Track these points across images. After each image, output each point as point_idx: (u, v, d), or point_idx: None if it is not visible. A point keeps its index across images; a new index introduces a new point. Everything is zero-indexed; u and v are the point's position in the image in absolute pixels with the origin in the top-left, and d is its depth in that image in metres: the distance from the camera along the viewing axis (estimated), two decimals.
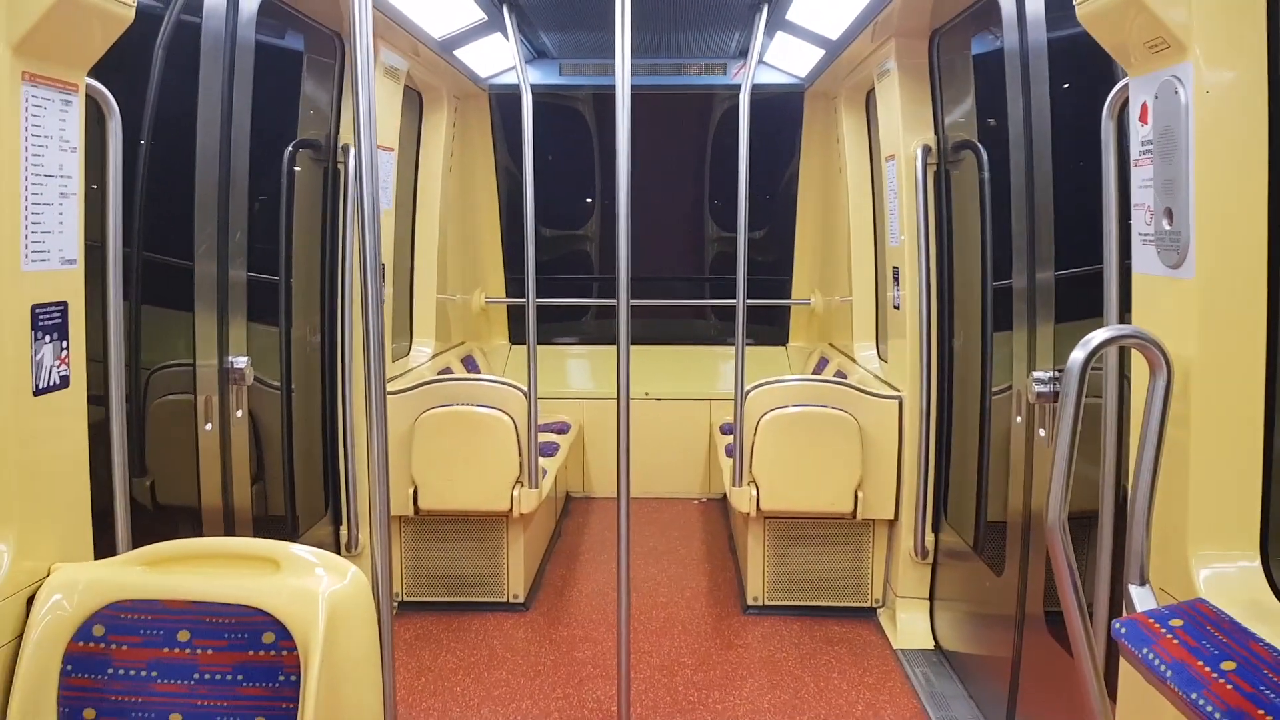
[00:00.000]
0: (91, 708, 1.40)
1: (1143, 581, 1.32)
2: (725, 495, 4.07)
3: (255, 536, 2.42)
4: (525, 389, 3.28)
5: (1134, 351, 1.37)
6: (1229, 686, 1.01)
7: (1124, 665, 1.39)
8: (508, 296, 5.07)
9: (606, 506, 4.67)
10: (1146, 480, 1.31)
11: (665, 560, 3.91)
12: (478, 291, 4.94)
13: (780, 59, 4.31)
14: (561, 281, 5.12)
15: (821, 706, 2.71)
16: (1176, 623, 1.16)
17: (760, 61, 4.14)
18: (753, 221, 3.25)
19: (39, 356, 1.44)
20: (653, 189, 5.01)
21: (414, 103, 4.07)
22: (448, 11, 3.29)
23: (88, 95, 1.53)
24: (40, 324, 1.44)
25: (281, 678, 1.39)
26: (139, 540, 1.66)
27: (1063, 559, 1.31)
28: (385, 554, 1.59)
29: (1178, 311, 1.32)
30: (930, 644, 3.09)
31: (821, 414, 3.19)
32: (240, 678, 1.40)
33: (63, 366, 1.49)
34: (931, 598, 3.15)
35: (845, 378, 3.67)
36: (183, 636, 1.41)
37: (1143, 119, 1.38)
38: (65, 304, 1.49)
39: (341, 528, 3.11)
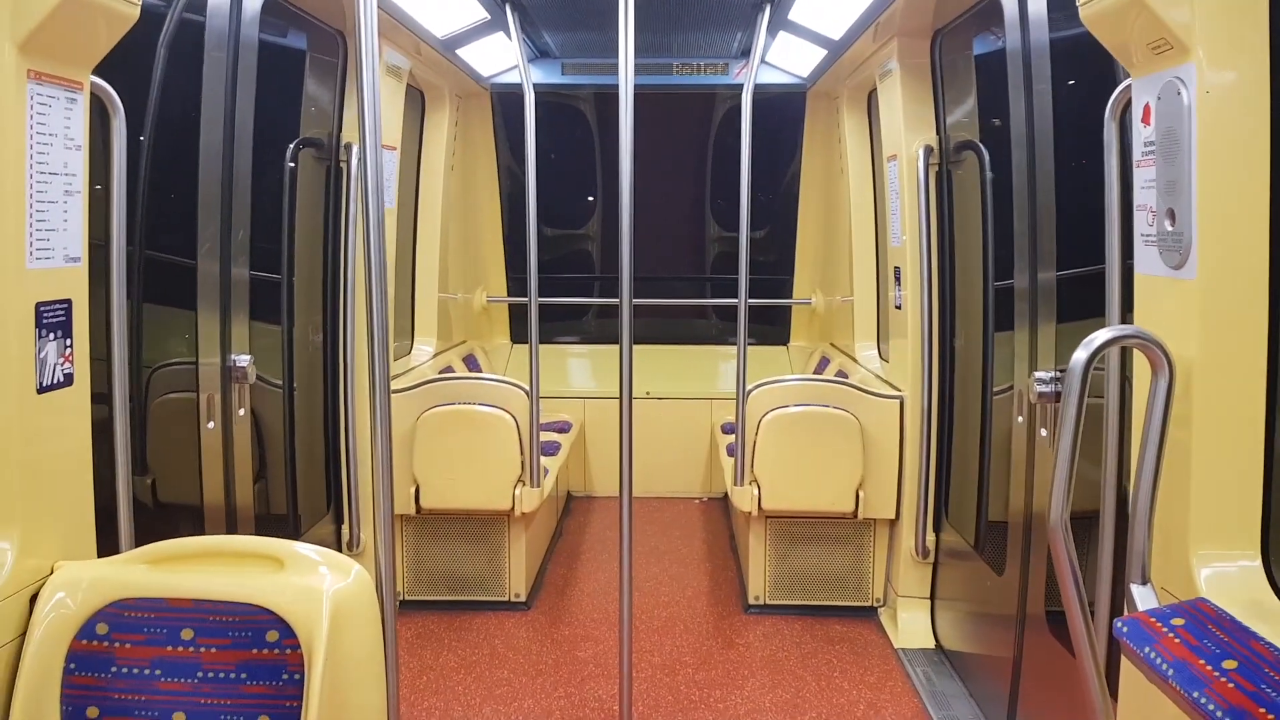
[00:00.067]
0: (95, 706, 1.40)
1: (1144, 581, 1.33)
2: (726, 494, 4.08)
3: (257, 535, 2.42)
4: (527, 388, 3.29)
5: (1136, 352, 1.37)
6: (1230, 685, 1.01)
7: (1125, 664, 1.39)
8: (509, 295, 5.07)
9: (608, 506, 4.67)
10: (1148, 480, 1.31)
11: (666, 559, 3.91)
12: (479, 290, 4.94)
13: (782, 59, 4.31)
14: (563, 280, 5.13)
15: (823, 706, 2.71)
16: (1178, 622, 1.17)
17: (762, 61, 4.14)
18: (754, 221, 3.25)
19: (43, 354, 1.44)
20: (654, 188, 5.01)
21: (416, 101, 4.07)
22: (450, 10, 3.29)
23: (92, 93, 1.53)
24: (44, 322, 1.44)
25: (285, 676, 1.39)
26: (140, 539, 1.66)
27: (1065, 558, 1.31)
28: (389, 552, 1.59)
29: (1180, 312, 1.32)
30: (931, 643, 3.09)
31: (823, 414, 3.19)
32: (244, 676, 1.40)
33: (66, 364, 1.49)
34: (932, 597, 3.16)
35: (846, 377, 3.68)
36: (186, 635, 1.41)
37: (1145, 120, 1.38)
38: (69, 302, 1.49)
39: (343, 526, 3.11)
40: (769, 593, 3.36)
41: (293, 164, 2.91)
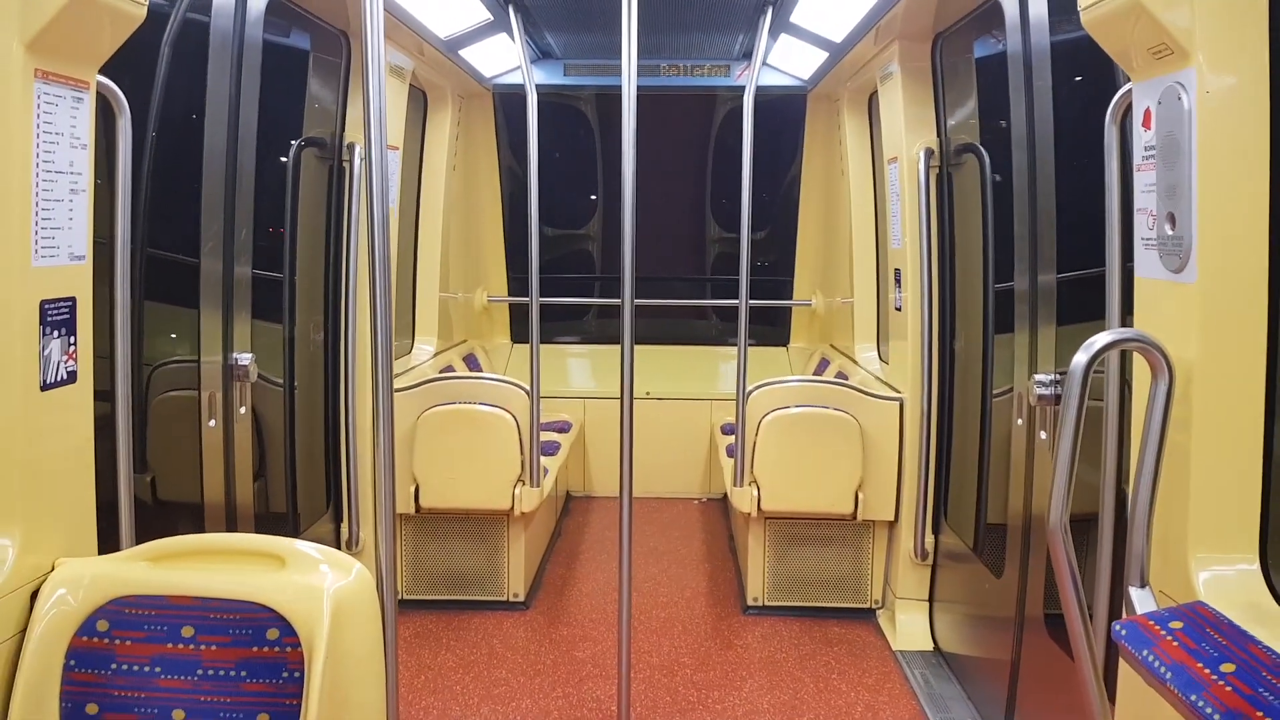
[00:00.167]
0: (94, 703, 1.40)
1: (1143, 584, 1.33)
2: (725, 495, 4.08)
3: (257, 533, 2.43)
4: (527, 388, 3.29)
5: (1136, 355, 1.38)
6: (1228, 688, 1.01)
7: (1123, 667, 1.40)
8: (510, 295, 5.08)
9: (607, 506, 4.67)
10: (1147, 483, 1.31)
11: (665, 560, 3.91)
12: (480, 290, 4.94)
13: (783, 61, 4.32)
14: (563, 280, 5.13)
15: (821, 707, 2.71)
16: (1176, 625, 1.17)
17: (764, 63, 4.16)
18: (755, 222, 3.26)
19: (47, 352, 1.44)
20: (655, 189, 5.01)
21: (418, 102, 4.08)
22: (454, 11, 3.30)
23: (98, 92, 1.53)
24: (49, 319, 1.44)
25: (285, 674, 1.39)
26: (140, 537, 1.67)
27: (1064, 561, 1.32)
28: (390, 551, 1.60)
29: (1179, 315, 1.32)
30: (929, 645, 3.10)
31: (823, 415, 3.19)
32: (244, 674, 1.40)
33: (70, 362, 1.50)
34: (931, 599, 3.16)
35: (846, 379, 3.68)
36: (186, 632, 1.41)
37: (1145, 124, 1.38)
38: (74, 299, 1.49)
39: (342, 525, 3.11)
40: (767, 594, 3.36)
41: (296, 164, 2.91)
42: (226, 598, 1.41)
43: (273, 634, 1.40)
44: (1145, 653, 1.14)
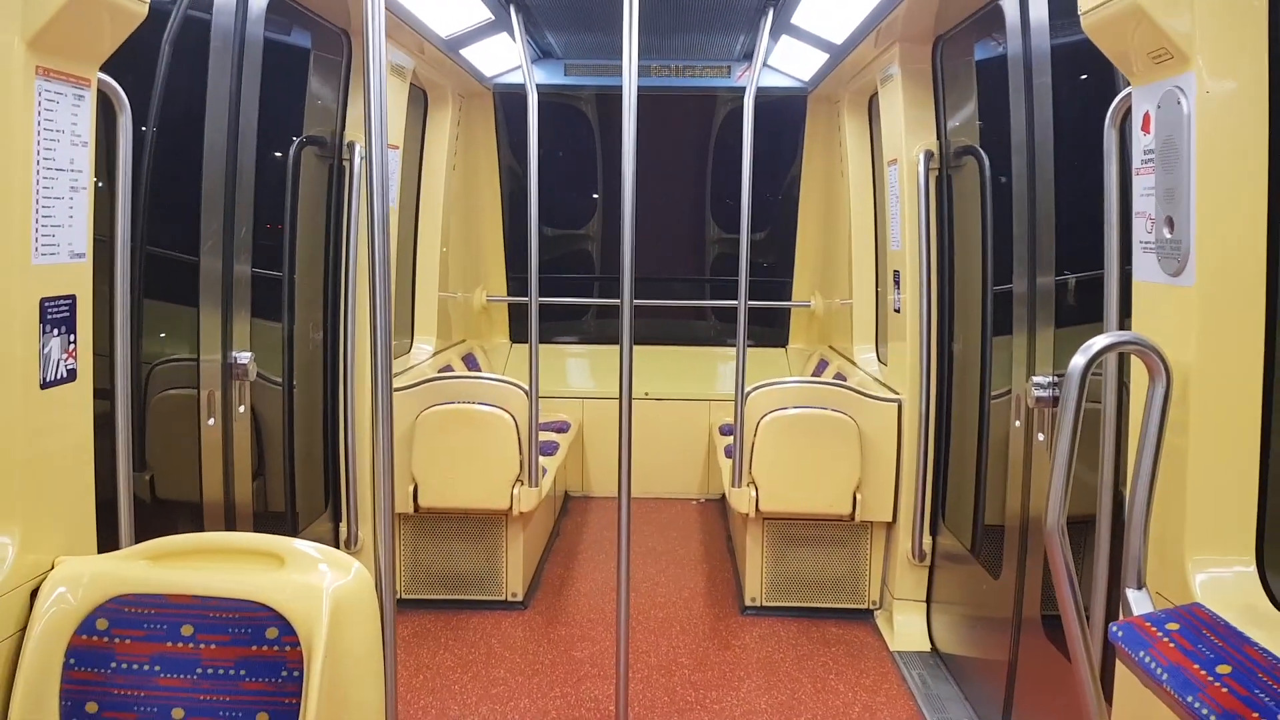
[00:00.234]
0: (94, 701, 1.40)
1: (1140, 586, 1.34)
2: (724, 496, 4.08)
3: (256, 532, 2.42)
4: (526, 387, 3.29)
5: (1133, 358, 1.38)
6: (1224, 690, 1.02)
7: (1120, 668, 1.40)
8: (509, 295, 5.08)
9: (605, 506, 4.68)
10: (1144, 485, 1.32)
11: (664, 560, 3.92)
12: (479, 290, 4.94)
13: (784, 62, 4.32)
14: (563, 280, 5.14)
15: (818, 708, 2.72)
16: (1173, 626, 1.17)
17: (764, 65, 4.16)
18: (754, 223, 3.27)
19: (47, 350, 1.44)
20: (655, 190, 5.02)
21: (418, 101, 4.08)
22: (455, 10, 3.30)
23: (99, 90, 1.53)
24: (49, 317, 1.44)
25: (284, 673, 1.40)
26: (138, 535, 1.67)
27: (1061, 563, 1.32)
28: (389, 550, 1.60)
29: (1177, 319, 1.33)
30: (927, 646, 3.10)
31: (821, 416, 3.20)
32: (243, 673, 1.40)
33: (70, 360, 1.50)
34: (928, 600, 3.17)
35: (845, 380, 3.69)
36: (186, 631, 1.41)
37: (1145, 128, 1.39)
38: (74, 297, 1.49)
39: (341, 524, 3.11)
40: (765, 594, 3.37)
41: (296, 162, 2.91)
42: (226, 596, 1.41)
43: (272, 633, 1.40)
44: (1142, 654, 1.15)
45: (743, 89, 3.38)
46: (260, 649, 1.40)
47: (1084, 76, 2.10)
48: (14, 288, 1.38)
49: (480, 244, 4.95)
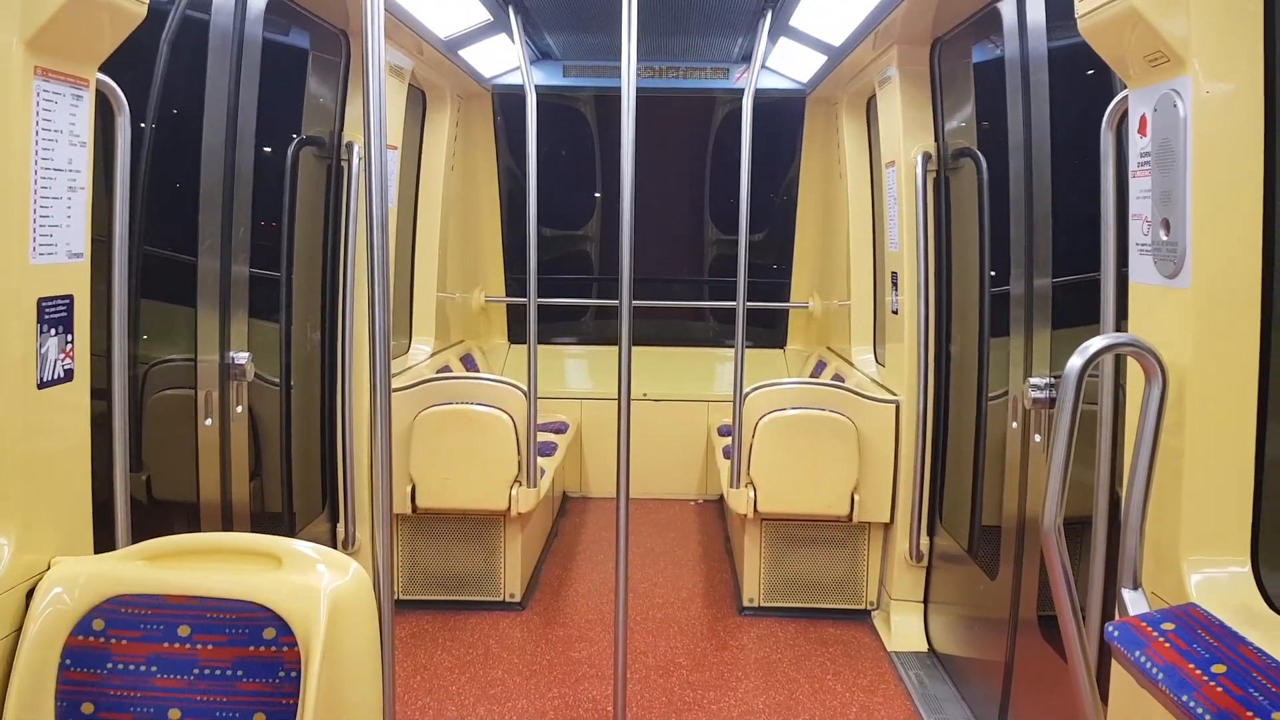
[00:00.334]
0: (90, 702, 1.40)
1: (1135, 586, 1.34)
2: (722, 496, 4.09)
3: (253, 533, 2.42)
4: (524, 388, 3.29)
5: (1130, 359, 1.39)
6: (1219, 689, 1.02)
7: (1116, 668, 1.40)
8: (507, 296, 5.08)
9: (603, 507, 4.68)
10: (1140, 486, 1.32)
11: (662, 561, 3.92)
12: (477, 290, 4.94)
13: (783, 64, 4.33)
14: (561, 281, 5.14)
15: (816, 708, 2.72)
16: (1168, 626, 1.18)
17: (763, 66, 4.17)
18: (753, 225, 3.27)
19: (44, 350, 1.44)
20: (654, 191, 5.02)
21: (417, 101, 4.08)
22: (454, 11, 3.30)
23: (97, 90, 1.53)
24: (46, 317, 1.44)
25: (282, 673, 1.39)
26: (135, 536, 1.66)
27: (1057, 563, 1.33)
28: (387, 551, 1.60)
29: (1173, 320, 1.33)
30: (924, 646, 3.11)
31: (819, 417, 3.20)
32: (240, 673, 1.40)
33: (67, 360, 1.49)
34: (926, 601, 3.17)
35: (843, 381, 3.69)
36: (183, 631, 1.41)
37: (1141, 131, 1.40)
38: (71, 297, 1.49)
39: (339, 525, 3.11)
40: (763, 595, 3.37)
41: (294, 162, 2.91)
42: (223, 597, 1.41)
43: (269, 633, 1.40)
44: (1137, 654, 1.15)
45: (741, 90, 3.38)
46: (257, 649, 1.40)
47: (1081, 79, 2.11)
48: (11, 287, 1.38)
49: (479, 245, 4.95)
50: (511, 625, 3.28)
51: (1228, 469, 1.30)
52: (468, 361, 4.59)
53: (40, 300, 1.43)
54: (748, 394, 3.24)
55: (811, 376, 4.46)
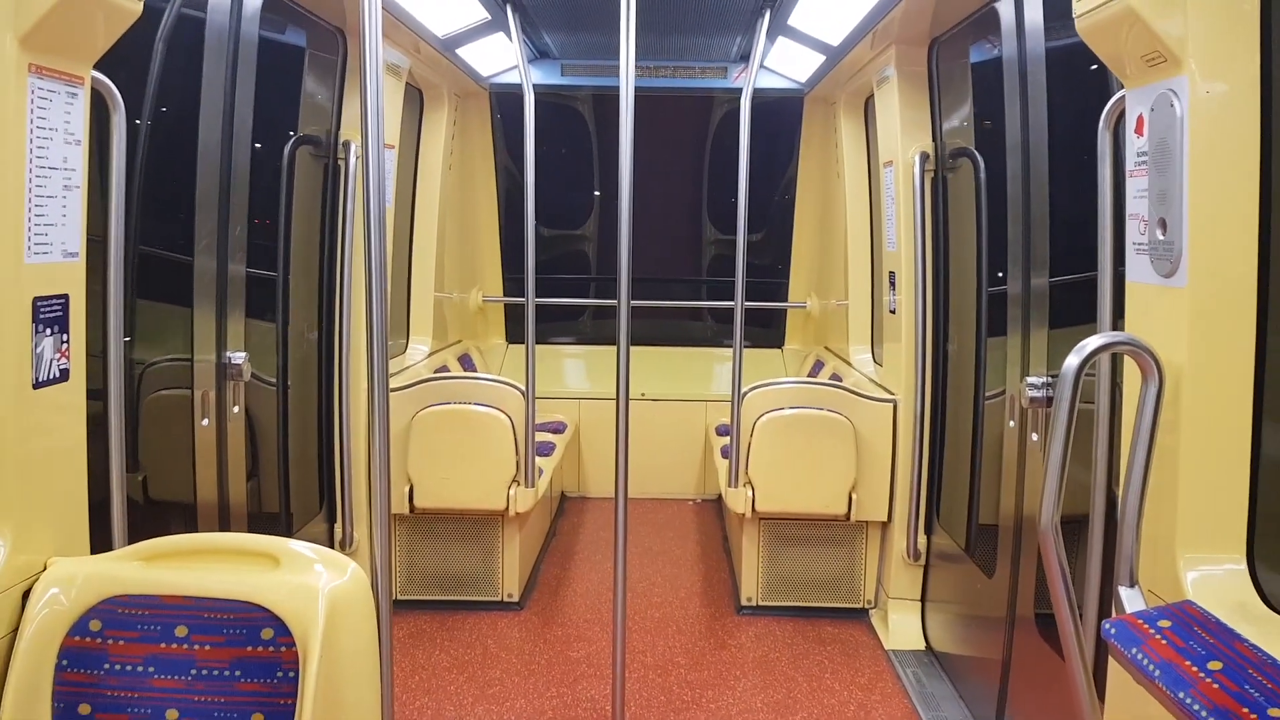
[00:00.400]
0: (87, 703, 1.40)
1: (1132, 583, 1.35)
2: (720, 496, 4.09)
3: (250, 533, 2.42)
4: (522, 388, 3.29)
5: (1126, 358, 1.39)
6: (1216, 686, 1.03)
7: (1113, 665, 1.41)
8: (505, 295, 5.07)
9: (601, 506, 4.68)
10: (1137, 485, 1.33)
11: (660, 560, 3.92)
12: (475, 290, 4.94)
13: (781, 64, 4.33)
14: (559, 281, 5.13)
15: (814, 706, 2.72)
16: (1165, 624, 1.18)
17: (761, 66, 4.17)
18: (751, 224, 3.27)
19: (39, 349, 1.44)
20: (652, 191, 5.02)
21: (414, 100, 4.07)
22: (451, 10, 3.29)
23: (92, 88, 1.53)
24: (41, 317, 1.44)
25: (280, 674, 1.39)
26: (131, 536, 1.66)
27: (1055, 561, 1.33)
28: (385, 551, 1.59)
29: (1170, 320, 1.34)
30: (922, 645, 3.11)
31: (817, 416, 3.21)
32: (238, 673, 1.40)
33: (62, 360, 1.49)
34: (923, 599, 3.18)
35: (840, 381, 3.70)
36: (180, 632, 1.41)
37: (1138, 131, 1.40)
38: (66, 297, 1.49)
39: (336, 525, 3.11)
40: (761, 594, 3.37)
41: (290, 162, 2.91)
42: (220, 597, 1.41)
43: (267, 633, 1.39)
44: (1134, 651, 1.16)
45: (739, 90, 3.39)
46: (255, 650, 1.39)
47: (1078, 79, 2.11)
48: (6, 287, 1.38)
49: (476, 244, 4.95)
50: (510, 625, 3.28)
51: (1224, 467, 1.30)
52: (465, 361, 4.59)
53: (35, 300, 1.42)
54: (746, 393, 3.25)
55: (809, 376, 4.46)
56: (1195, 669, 1.06)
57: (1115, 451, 1.62)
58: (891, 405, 3.21)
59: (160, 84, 2.13)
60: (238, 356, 2.40)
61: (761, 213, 5.11)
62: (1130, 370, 1.40)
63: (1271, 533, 1.32)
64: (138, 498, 2.19)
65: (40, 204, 1.42)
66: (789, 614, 3.35)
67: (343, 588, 1.42)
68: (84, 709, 1.39)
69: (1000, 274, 2.47)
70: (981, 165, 2.76)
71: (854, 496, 3.21)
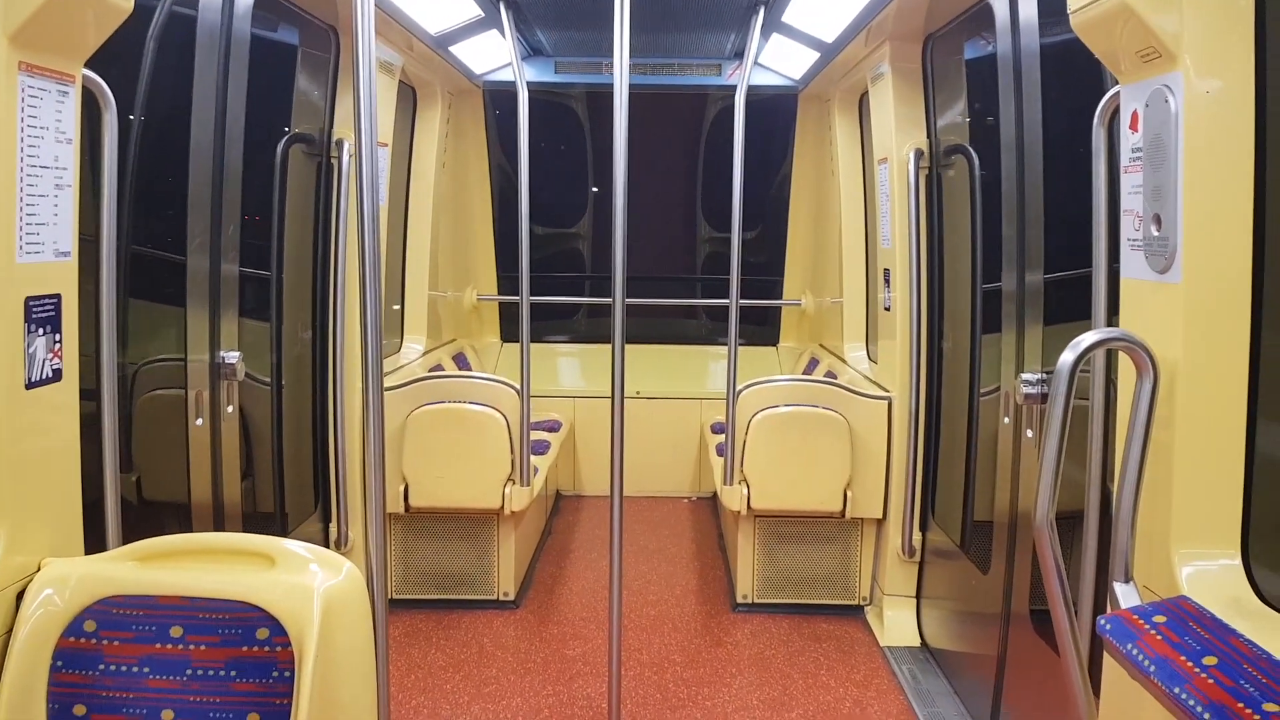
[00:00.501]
0: (82, 704, 1.39)
1: (1127, 579, 1.35)
2: (715, 494, 4.09)
3: (245, 533, 2.41)
4: (517, 386, 3.28)
5: (1121, 354, 1.40)
6: (1211, 681, 1.03)
7: (1108, 660, 1.42)
8: (500, 294, 5.06)
9: (597, 505, 4.68)
10: (1132, 480, 1.33)
11: (655, 558, 3.92)
12: (469, 289, 4.93)
13: (775, 61, 4.33)
14: (554, 279, 5.13)
15: (809, 703, 2.73)
16: (1160, 619, 1.19)
17: (755, 63, 4.17)
18: (745, 222, 3.27)
19: (32, 349, 1.43)
20: (646, 188, 5.02)
21: (407, 98, 4.06)
22: (444, 7, 3.28)
23: (83, 86, 1.52)
24: (33, 316, 1.43)
25: (275, 674, 1.39)
26: (125, 537, 1.65)
27: (1050, 557, 1.33)
28: (380, 550, 1.59)
29: (1164, 315, 1.34)
30: (917, 641, 3.12)
31: (812, 414, 3.21)
32: (233, 674, 1.39)
33: (55, 360, 1.48)
34: (918, 596, 3.19)
35: (835, 378, 3.70)
36: (175, 632, 1.40)
37: (1133, 127, 1.40)
38: (59, 296, 1.48)
39: (331, 525, 3.10)
40: (757, 591, 3.38)
41: (283, 160, 2.89)
42: (216, 597, 1.40)
43: (262, 633, 1.39)
44: (1129, 646, 1.16)
45: (734, 87, 3.38)
46: (251, 650, 1.39)
47: (1073, 75, 2.12)
48: None
49: (470, 243, 4.93)
50: (505, 624, 3.27)
51: (1218, 462, 1.31)
52: (460, 360, 4.58)
53: (27, 299, 1.41)
54: (741, 391, 3.25)
55: (804, 373, 4.47)
56: (1190, 664, 1.07)
57: (1110, 447, 1.63)
58: (886, 402, 3.22)
59: (152, 82, 2.11)
60: (231, 356, 2.39)
61: (756, 210, 5.11)
62: (1125, 366, 1.41)
63: (1266, 528, 1.32)
64: (132, 498, 2.18)
65: (32, 203, 1.41)
66: (784, 611, 3.35)
67: (338, 587, 1.42)
68: (79, 710, 1.39)
69: (992, 270, 2.47)
70: (976, 162, 2.77)
71: (849, 494, 3.22)
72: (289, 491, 2.96)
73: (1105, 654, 1.38)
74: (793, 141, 4.83)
